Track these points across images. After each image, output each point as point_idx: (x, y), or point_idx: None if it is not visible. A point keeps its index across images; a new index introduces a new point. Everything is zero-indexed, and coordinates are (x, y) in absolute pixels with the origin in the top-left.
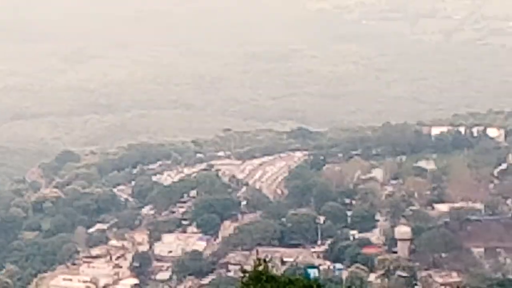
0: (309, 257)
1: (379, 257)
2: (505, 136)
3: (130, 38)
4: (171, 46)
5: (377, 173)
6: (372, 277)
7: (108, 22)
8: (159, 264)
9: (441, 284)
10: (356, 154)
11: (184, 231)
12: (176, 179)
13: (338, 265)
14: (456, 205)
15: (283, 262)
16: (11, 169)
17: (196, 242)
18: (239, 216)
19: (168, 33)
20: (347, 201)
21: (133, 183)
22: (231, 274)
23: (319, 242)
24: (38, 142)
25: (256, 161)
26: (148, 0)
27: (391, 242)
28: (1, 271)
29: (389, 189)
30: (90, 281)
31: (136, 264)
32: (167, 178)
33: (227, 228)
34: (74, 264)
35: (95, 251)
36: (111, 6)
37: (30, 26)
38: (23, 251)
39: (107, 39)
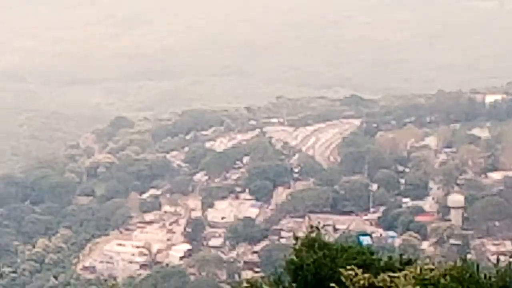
0: (361, 225)
1: (432, 225)
2: None
3: (183, 4)
4: (224, 12)
5: (431, 141)
6: (425, 245)
7: None
8: (212, 230)
9: (494, 253)
10: (410, 122)
11: (237, 198)
12: (229, 145)
13: (391, 233)
14: (510, 173)
15: (335, 229)
16: (65, 134)
17: (248, 208)
18: (292, 183)
19: (220, 0)
20: (400, 168)
21: (186, 149)
22: (283, 241)
23: (371, 209)
24: (92, 107)
25: (309, 128)
26: None
27: (444, 210)
28: (56, 235)
29: (443, 157)
30: (143, 247)
31: (189, 230)
32: (220, 144)
33: (280, 194)
34: (127, 229)
35: (148, 217)
36: None
37: None
38: (77, 216)
39: (159, 4)
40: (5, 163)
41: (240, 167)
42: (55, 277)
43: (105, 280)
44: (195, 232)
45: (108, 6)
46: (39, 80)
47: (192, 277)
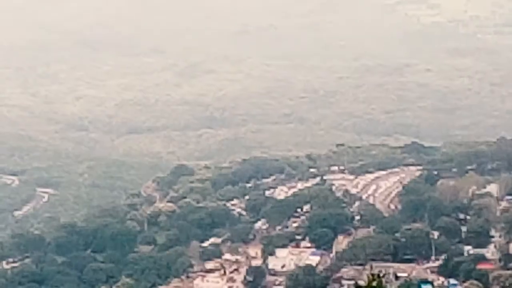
0: (422, 273)
1: (494, 273)
2: None
3: (243, 52)
4: (284, 60)
5: (492, 188)
6: None
7: (220, 37)
8: (273, 278)
9: None
10: (471, 169)
11: (298, 246)
12: (289, 193)
13: (452, 281)
14: None
15: (396, 278)
16: (127, 183)
17: (309, 256)
18: (353, 230)
19: (280, 47)
20: (462, 216)
21: (246, 197)
22: None
23: (433, 257)
24: (153, 156)
25: (369, 176)
26: (255, 14)
27: (506, 258)
28: (117, 284)
29: (504, 204)
30: None
31: (249, 278)
32: (281, 192)
33: (341, 242)
34: (188, 277)
35: (209, 265)
36: (221, 21)
37: (145, 41)
38: (138, 265)
39: (220, 53)
40: (66, 211)
41: (300, 215)
42: None
43: None
44: (256, 280)
45: (170, 55)
46: (101, 128)
47: None
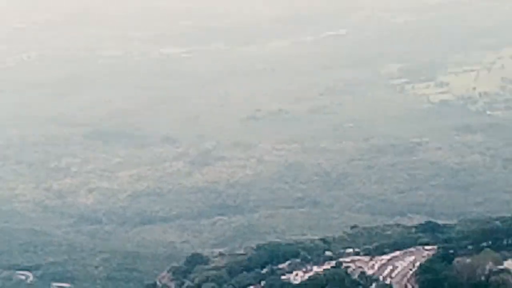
0: None
1: None
2: None
3: (254, 138)
4: (294, 144)
5: (509, 264)
6: None
7: (230, 123)
8: None
9: None
10: (487, 246)
11: None
12: (305, 277)
13: None
14: None
15: None
16: (142, 274)
17: None
18: None
19: (290, 132)
20: None
21: (262, 283)
22: None
23: None
24: (167, 246)
25: (385, 257)
26: (265, 99)
27: None
28: None
29: None
30: None
31: None
32: (297, 277)
33: None
34: None
35: None
36: (231, 108)
37: (156, 131)
38: None
39: (231, 140)
40: None
41: None
42: None
43: None
44: None
45: (181, 144)
46: (115, 220)
47: None
